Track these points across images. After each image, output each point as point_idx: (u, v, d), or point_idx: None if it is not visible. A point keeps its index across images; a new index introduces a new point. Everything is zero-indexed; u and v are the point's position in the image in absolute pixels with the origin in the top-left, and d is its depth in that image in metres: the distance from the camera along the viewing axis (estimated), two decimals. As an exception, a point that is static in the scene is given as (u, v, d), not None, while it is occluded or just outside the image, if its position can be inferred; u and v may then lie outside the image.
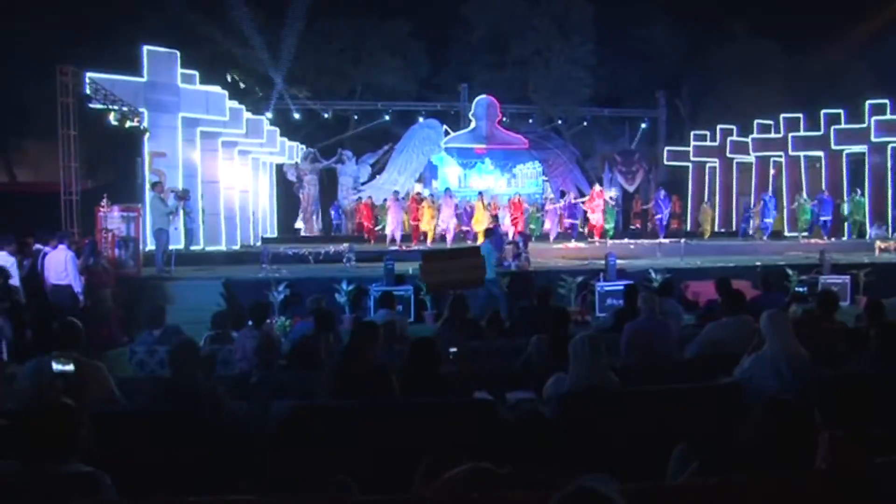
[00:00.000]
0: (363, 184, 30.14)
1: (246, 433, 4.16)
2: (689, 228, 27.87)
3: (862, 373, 4.81)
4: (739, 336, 5.87)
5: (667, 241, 20.62)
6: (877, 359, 5.03)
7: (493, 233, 16.06)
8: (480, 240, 20.60)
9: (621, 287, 13.38)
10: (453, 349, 5.58)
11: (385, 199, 24.60)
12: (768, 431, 2.97)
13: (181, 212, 16.81)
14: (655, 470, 3.55)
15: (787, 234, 24.57)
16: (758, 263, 15.21)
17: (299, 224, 28.44)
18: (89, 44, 22.33)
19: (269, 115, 25.93)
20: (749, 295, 9.91)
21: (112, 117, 14.65)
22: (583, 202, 23.43)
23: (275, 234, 26.72)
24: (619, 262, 14.77)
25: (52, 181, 16.70)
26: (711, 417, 4.30)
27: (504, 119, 31.71)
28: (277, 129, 25.18)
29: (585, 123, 33.53)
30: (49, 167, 20.68)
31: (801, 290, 12.29)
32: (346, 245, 16.17)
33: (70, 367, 3.88)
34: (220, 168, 19.90)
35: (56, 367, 3.87)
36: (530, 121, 33.69)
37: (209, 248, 18.57)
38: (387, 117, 31.84)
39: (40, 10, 24.21)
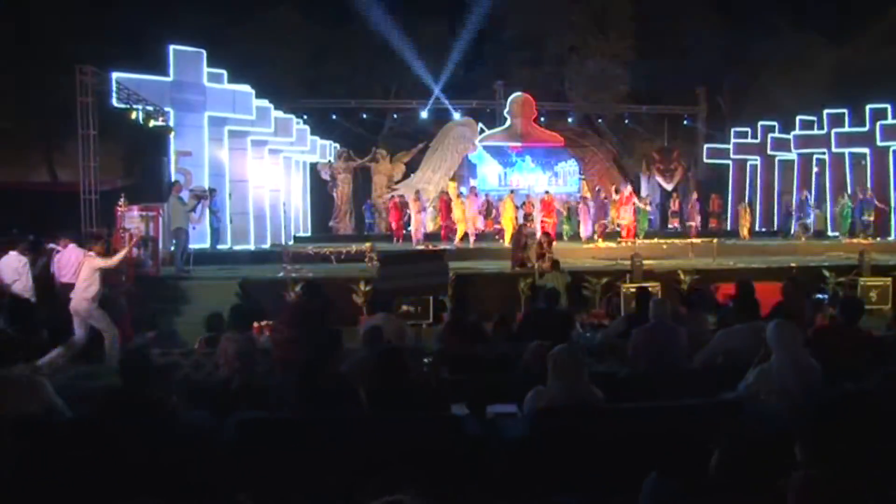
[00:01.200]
0: (397, 182, 29.97)
1: (199, 445, 3.94)
2: (728, 228, 27.16)
3: (872, 390, 4.37)
4: (752, 345, 5.46)
5: (698, 240, 20.00)
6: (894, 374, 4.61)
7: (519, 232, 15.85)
8: (508, 239, 20.33)
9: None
10: (427, 359, 5.27)
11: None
12: (733, 468, 2.63)
13: (207, 211, 16.82)
14: (634, 496, 3.24)
15: (830, 233, 23.73)
16: (793, 265, 14.61)
17: (333, 223, 28.38)
18: (122, 45, 22.61)
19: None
20: (778, 299, 9.49)
21: (134, 116, 14.66)
22: (614, 200, 22.94)
23: (308, 234, 26.68)
24: (648, 262, 14.36)
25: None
26: (703, 439, 3.93)
27: (541, 117, 31.29)
28: (308, 128, 25.07)
29: (627, 122, 32.94)
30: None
31: (821, 297, 11.63)
32: (368, 244, 15.99)
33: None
34: (250, 167, 19.88)
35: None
36: (569, 119, 33.21)
37: (237, 248, 18.55)
38: (424, 115, 31.60)
39: (78, 13, 24.68)
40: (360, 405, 4.13)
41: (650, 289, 12.79)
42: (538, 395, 4.15)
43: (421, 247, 19.24)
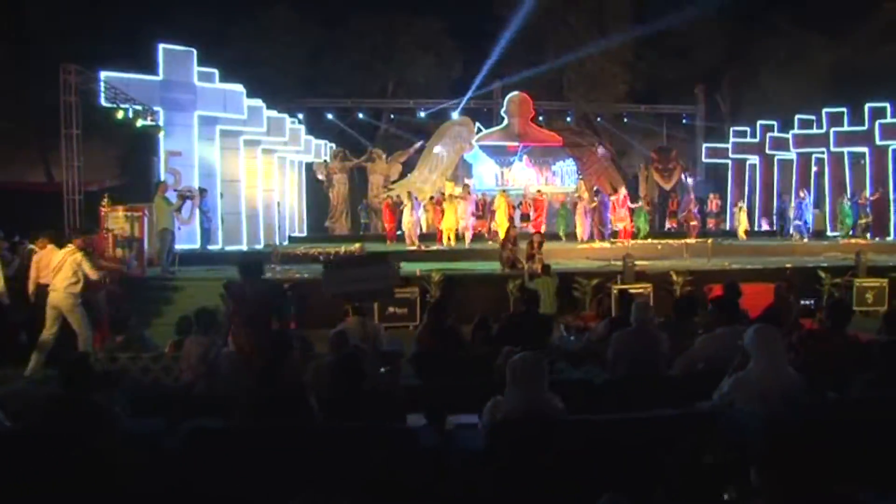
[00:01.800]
0: (393, 182, 29.79)
1: (143, 453, 3.77)
2: (728, 228, 26.92)
3: (854, 400, 4.18)
4: (734, 350, 5.25)
5: (693, 241, 19.76)
6: (876, 382, 4.42)
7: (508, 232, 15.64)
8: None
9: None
10: (384, 368, 5.06)
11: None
12: (690, 485, 2.44)
13: (197, 211, 16.64)
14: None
15: (829, 234, 23.50)
16: (788, 266, 14.38)
17: (329, 224, 28.19)
18: (120, 45, 22.46)
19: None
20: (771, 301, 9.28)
21: (121, 115, 14.49)
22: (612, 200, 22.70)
23: (304, 234, 26.47)
24: (641, 263, 14.14)
25: (86, 180, 16.69)
26: (670, 454, 3.73)
27: (539, 117, 31.10)
28: (303, 128, 24.88)
29: (626, 120, 32.76)
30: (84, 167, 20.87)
31: (807, 302, 11.36)
32: (358, 245, 15.80)
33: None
34: (242, 167, 19.67)
35: None
36: (568, 119, 33.03)
37: (229, 248, 18.32)
38: (422, 114, 31.44)
39: (76, 13, 24.57)
40: (309, 413, 3.94)
41: (642, 290, 12.70)
42: (495, 406, 3.96)
43: (413, 247, 19.01)
